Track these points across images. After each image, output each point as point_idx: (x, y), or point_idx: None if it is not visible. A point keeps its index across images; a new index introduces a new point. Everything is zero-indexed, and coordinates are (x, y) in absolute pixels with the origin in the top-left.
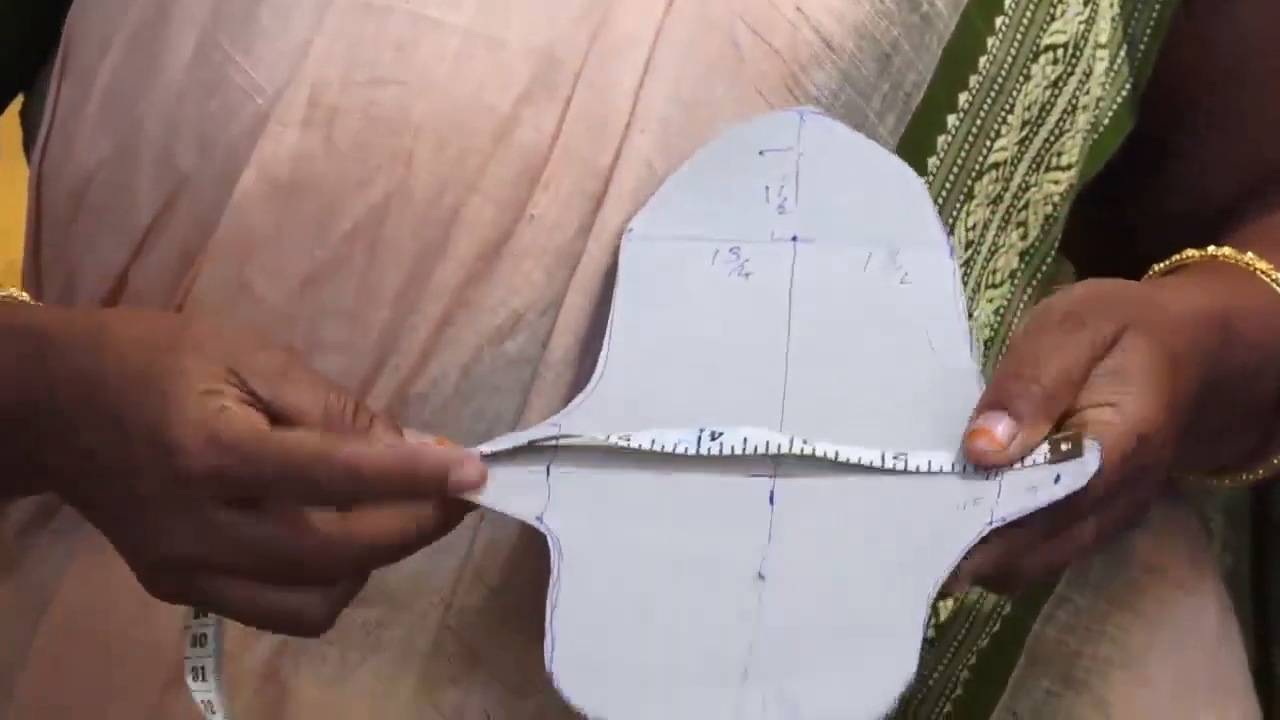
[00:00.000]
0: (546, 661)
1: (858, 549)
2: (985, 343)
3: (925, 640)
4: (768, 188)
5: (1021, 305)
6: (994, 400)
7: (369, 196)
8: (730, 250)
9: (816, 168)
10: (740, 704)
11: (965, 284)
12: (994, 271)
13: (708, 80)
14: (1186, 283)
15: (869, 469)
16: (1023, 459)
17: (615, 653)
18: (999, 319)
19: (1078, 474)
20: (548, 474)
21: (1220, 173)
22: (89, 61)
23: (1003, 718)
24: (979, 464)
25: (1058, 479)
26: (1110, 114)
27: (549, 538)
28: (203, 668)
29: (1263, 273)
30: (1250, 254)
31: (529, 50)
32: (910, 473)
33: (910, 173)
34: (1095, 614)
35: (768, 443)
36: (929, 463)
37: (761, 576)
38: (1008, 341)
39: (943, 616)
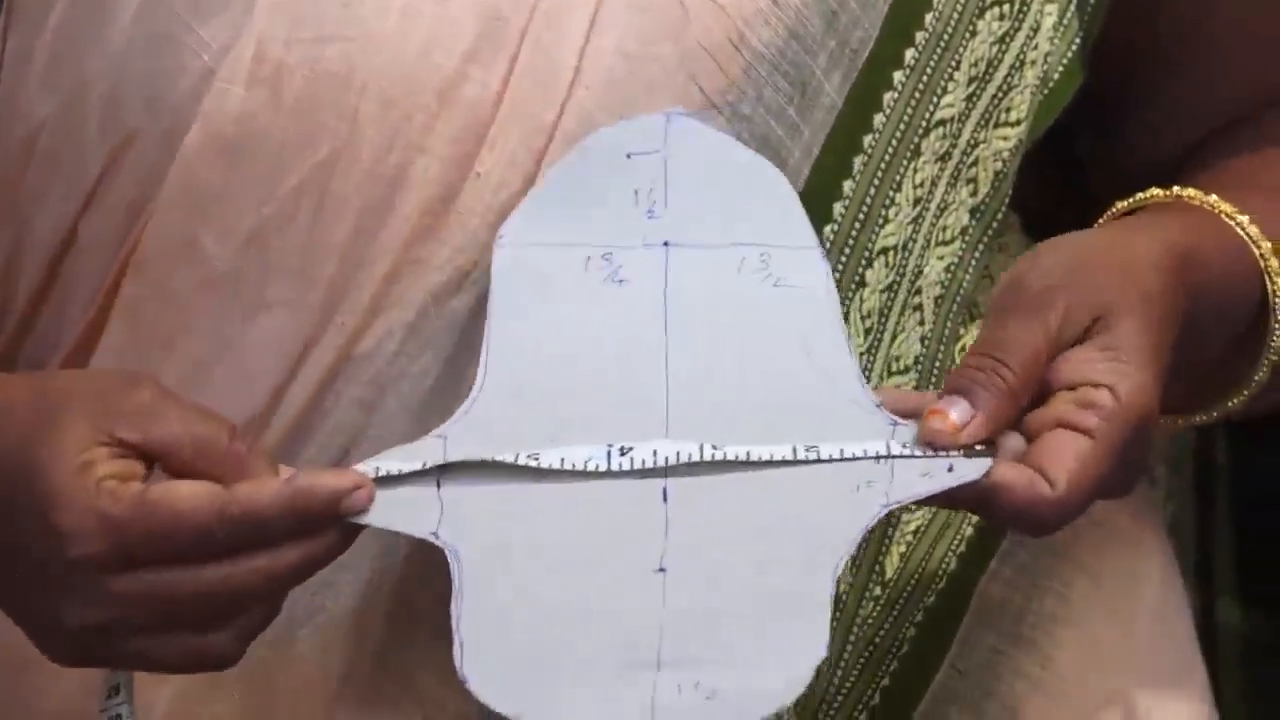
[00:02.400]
0: (457, 666)
1: (753, 536)
2: (936, 300)
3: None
4: (636, 191)
5: (973, 262)
6: (957, 385)
7: (315, 153)
8: (603, 256)
9: (683, 170)
10: (656, 692)
11: (915, 240)
12: (944, 229)
13: (654, 36)
14: (1151, 224)
15: (766, 463)
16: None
17: (526, 652)
18: (949, 276)
19: (972, 467)
20: (438, 487)
21: (1175, 124)
22: (35, 14)
23: (949, 675)
24: (930, 444)
25: (950, 468)
26: (1060, 69)
27: (447, 551)
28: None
29: (1226, 215)
30: (1214, 196)
31: (475, 6)
32: (810, 462)
33: (778, 174)
34: (1039, 569)
35: (678, 453)
36: (841, 451)
37: (662, 569)
38: (958, 299)
39: (889, 574)
